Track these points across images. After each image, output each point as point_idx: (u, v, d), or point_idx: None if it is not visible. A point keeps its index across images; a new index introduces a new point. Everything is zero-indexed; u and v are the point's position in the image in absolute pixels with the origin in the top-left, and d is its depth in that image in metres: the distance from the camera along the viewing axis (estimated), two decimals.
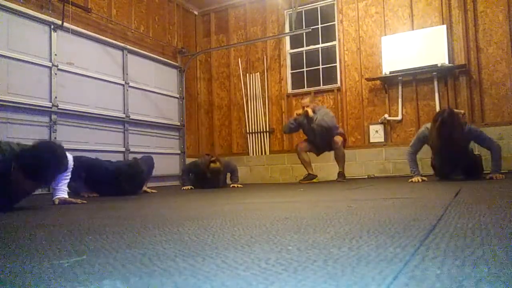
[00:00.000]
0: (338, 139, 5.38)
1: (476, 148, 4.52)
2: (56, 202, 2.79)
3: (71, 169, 2.88)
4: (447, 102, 5.84)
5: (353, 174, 6.11)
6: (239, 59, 7.37)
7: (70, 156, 2.88)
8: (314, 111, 5.41)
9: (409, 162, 4.26)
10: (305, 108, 5.44)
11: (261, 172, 7.03)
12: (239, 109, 7.36)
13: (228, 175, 5.28)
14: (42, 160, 2.29)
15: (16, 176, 2.23)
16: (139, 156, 4.80)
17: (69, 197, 2.91)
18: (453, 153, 3.97)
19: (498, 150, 3.97)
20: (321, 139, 5.42)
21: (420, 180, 4.08)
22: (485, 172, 4.33)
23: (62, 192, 2.85)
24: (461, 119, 3.95)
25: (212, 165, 4.77)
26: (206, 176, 4.83)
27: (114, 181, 3.81)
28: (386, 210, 1.66)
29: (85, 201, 2.94)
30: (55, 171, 2.45)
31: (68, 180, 2.90)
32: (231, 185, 5.13)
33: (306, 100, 5.62)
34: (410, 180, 4.15)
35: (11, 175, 2.20)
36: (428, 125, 4.10)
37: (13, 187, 2.28)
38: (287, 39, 7.10)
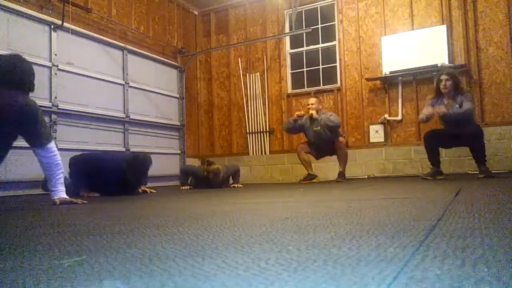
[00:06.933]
0: (343, 139, 5.44)
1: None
2: (57, 203, 2.77)
3: (60, 163, 2.86)
4: None
5: (353, 174, 6.11)
6: (239, 59, 7.37)
7: (53, 144, 2.87)
8: (318, 113, 5.41)
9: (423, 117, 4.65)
10: (310, 111, 5.43)
11: (261, 172, 7.03)
12: (239, 109, 7.36)
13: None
14: (7, 62, 2.42)
15: None
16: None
17: (69, 197, 2.90)
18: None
19: (470, 111, 4.39)
20: (323, 141, 5.41)
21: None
22: (474, 172, 4.47)
23: (62, 192, 2.84)
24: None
25: (209, 167, 4.76)
26: (207, 180, 4.81)
27: (118, 171, 3.79)
28: (386, 210, 1.66)
29: (85, 201, 2.94)
30: (24, 70, 2.47)
31: (62, 177, 2.87)
32: (231, 185, 5.14)
33: (312, 99, 5.62)
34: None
35: None
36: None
37: None
38: (287, 39, 7.10)
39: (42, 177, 4.55)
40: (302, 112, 5.65)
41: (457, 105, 4.39)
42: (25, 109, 2.62)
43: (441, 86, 4.50)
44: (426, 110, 4.58)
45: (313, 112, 5.40)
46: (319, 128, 5.35)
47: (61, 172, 2.86)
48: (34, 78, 2.52)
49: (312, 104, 5.49)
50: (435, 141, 4.59)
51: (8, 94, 2.43)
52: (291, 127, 5.66)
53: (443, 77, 4.51)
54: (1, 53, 2.55)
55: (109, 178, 3.83)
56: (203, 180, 4.87)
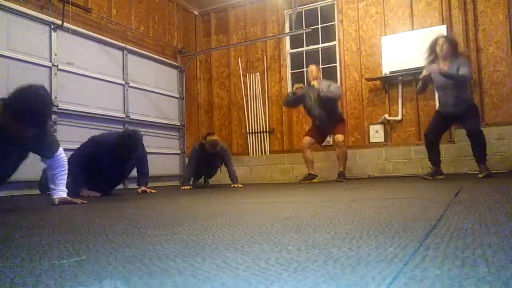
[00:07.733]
0: (340, 137, 5.40)
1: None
2: (56, 202, 2.77)
3: (66, 165, 2.87)
4: None
5: (353, 174, 6.11)
6: (239, 59, 7.37)
7: (61, 150, 2.87)
8: (318, 83, 5.44)
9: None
10: (312, 81, 5.45)
11: (261, 172, 7.03)
12: (239, 109, 7.36)
13: (227, 173, 5.28)
14: (25, 98, 2.35)
15: (5, 122, 2.34)
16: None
17: (69, 197, 2.90)
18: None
19: (466, 77, 4.28)
20: (323, 113, 5.40)
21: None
22: (474, 172, 4.40)
23: (62, 191, 2.84)
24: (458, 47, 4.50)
25: (209, 137, 5.09)
26: (204, 154, 5.08)
27: (112, 148, 3.78)
28: (386, 210, 1.65)
29: (85, 201, 2.94)
30: (40, 109, 2.42)
31: (65, 178, 2.87)
32: (231, 185, 5.14)
33: (313, 67, 5.61)
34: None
35: None
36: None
37: (9, 136, 2.41)
38: (287, 39, 7.09)
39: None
40: (301, 85, 5.62)
41: (455, 67, 4.29)
42: (36, 136, 2.59)
43: (438, 48, 4.37)
44: (421, 75, 4.54)
45: (314, 82, 5.42)
46: (322, 94, 5.32)
47: (65, 174, 2.87)
48: (51, 112, 2.51)
49: (311, 72, 5.52)
50: (434, 135, 4.57)
51: (26, 129, 2.42)
52: (290, 100, 5.66)
53: (441, 40, 4.35)
54: (23, 87, 2.42)
55: (104, 158, 3.81)
56: (204, 158, 5.12)
